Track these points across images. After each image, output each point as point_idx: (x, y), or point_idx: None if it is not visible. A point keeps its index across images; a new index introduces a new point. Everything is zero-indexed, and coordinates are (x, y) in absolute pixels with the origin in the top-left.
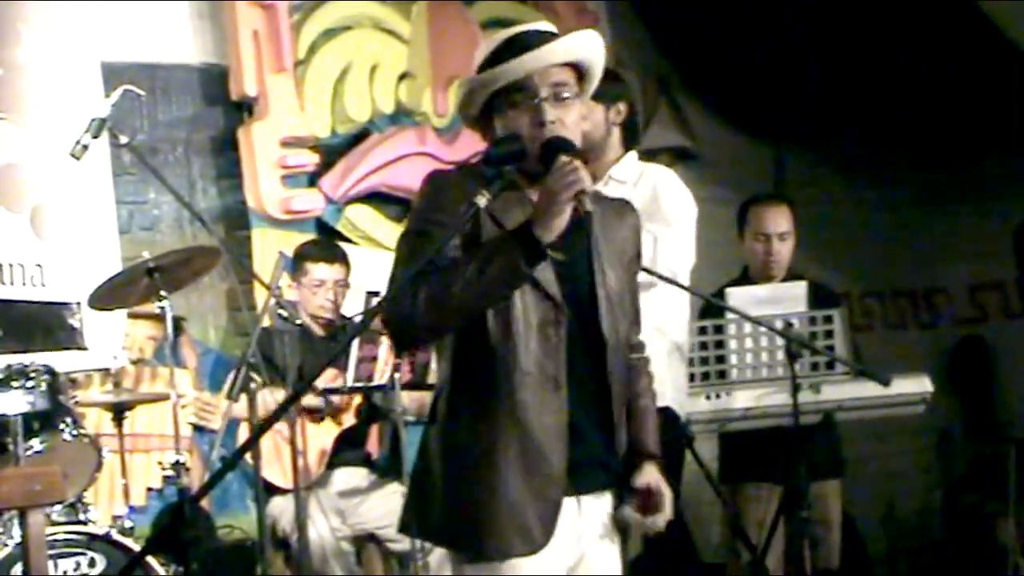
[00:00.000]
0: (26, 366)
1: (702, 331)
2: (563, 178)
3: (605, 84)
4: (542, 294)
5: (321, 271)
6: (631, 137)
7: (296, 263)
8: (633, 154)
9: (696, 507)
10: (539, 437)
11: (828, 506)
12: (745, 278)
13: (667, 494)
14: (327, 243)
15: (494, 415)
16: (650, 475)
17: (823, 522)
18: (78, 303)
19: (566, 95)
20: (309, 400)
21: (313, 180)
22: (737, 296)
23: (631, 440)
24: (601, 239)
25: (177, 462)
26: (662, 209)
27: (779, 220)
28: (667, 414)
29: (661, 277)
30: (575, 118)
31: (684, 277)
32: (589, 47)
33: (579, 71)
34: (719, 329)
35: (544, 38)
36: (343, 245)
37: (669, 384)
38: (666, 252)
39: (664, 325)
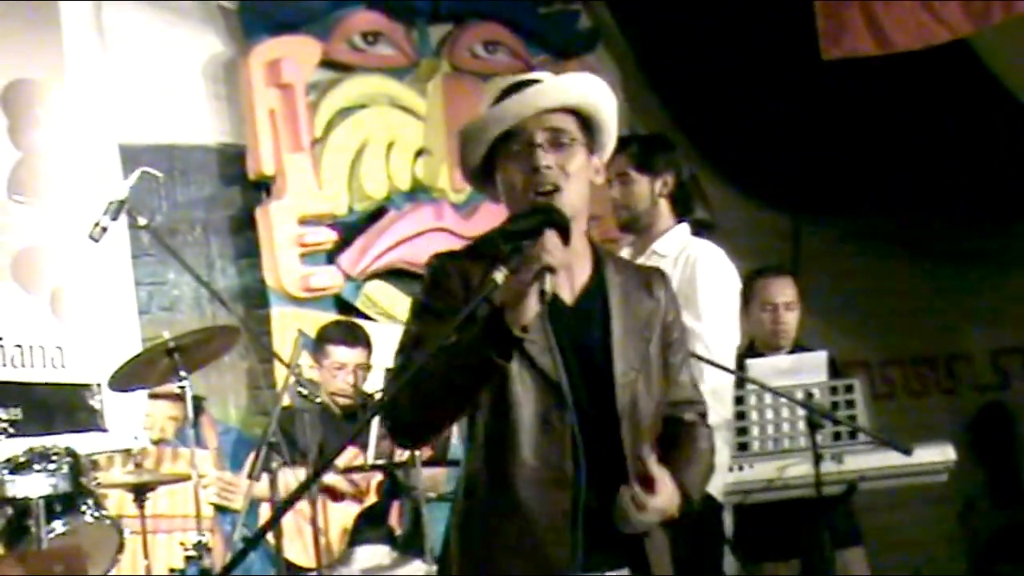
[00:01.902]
0: (47, 448)
1: None
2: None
3: (651, 154)
4: (543, 379)
5: (342, 354)
6: (683, 208)
7: (317, 344)
8: (683, 227)
9: None
10: (540, 535)
11: (852, 574)
12: (751, 351)
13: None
14: (349, 325)
15: (495, 508)
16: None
17: None
18: (98, 384)
19: (565, 141)
20: (330, 479)
21: (331, 258)
22: (757, 367)
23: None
24: (621, 311)
25: (199, 542)
26: (698, 299)
27: (785, 290)
28: (706, 501)
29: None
30: (578, 166)
31: (726, 361)
32: (587, 91)
33: (583, 120)
34: (739, 400)
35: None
36: (363, 322)
37: None
38: (699, 342)
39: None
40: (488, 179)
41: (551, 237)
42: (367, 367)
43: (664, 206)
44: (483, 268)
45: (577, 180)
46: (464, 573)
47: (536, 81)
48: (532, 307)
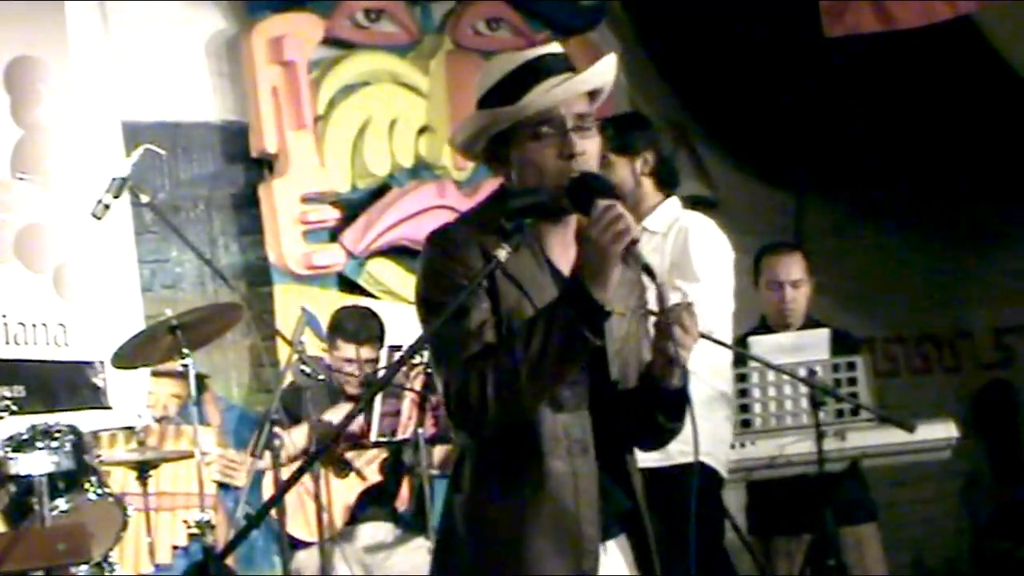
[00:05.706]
0: (50, 426)
1: None
2: (611, 228)
3: (629, 135)
4: None
5: (351, 352)
6: (668, 183)
7: (330, 330)
8: (672, 201)
9: None
10: (573, 509)
11: (864, 551)
12: (763, 327)
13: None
14: (363, 320)
15: (524, 485)
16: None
17: (860, 567)
18: (101, 362)
19: (588, 126)
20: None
21: (334, 235)
22: (760, 344)
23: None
24: None
25: (202, 520)
26: (692, 265)
27: (792, 268)
28: (704, 471)
29: None
30: (595, 148)
31: (721, 329)
32: (610, 72)
33: (592, 96)
34: (742, 378)
35: (559, 62)
36: (366, 301)
37: (706, 435)
38: (696, 305)
39: (701, 374)
40: (494, 153)
41: (623, 209)
42: (375, 361)
43: (648, 185)
44: (486, 237)
45: (596, 161)
46: (480, 548)
47: (555, 57)
48: (616, 277)
